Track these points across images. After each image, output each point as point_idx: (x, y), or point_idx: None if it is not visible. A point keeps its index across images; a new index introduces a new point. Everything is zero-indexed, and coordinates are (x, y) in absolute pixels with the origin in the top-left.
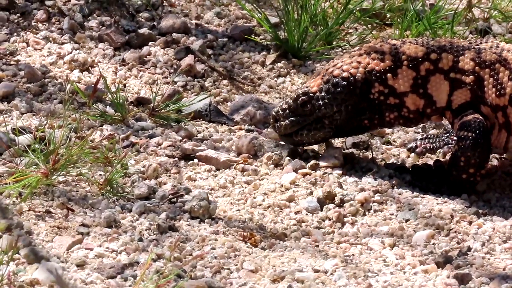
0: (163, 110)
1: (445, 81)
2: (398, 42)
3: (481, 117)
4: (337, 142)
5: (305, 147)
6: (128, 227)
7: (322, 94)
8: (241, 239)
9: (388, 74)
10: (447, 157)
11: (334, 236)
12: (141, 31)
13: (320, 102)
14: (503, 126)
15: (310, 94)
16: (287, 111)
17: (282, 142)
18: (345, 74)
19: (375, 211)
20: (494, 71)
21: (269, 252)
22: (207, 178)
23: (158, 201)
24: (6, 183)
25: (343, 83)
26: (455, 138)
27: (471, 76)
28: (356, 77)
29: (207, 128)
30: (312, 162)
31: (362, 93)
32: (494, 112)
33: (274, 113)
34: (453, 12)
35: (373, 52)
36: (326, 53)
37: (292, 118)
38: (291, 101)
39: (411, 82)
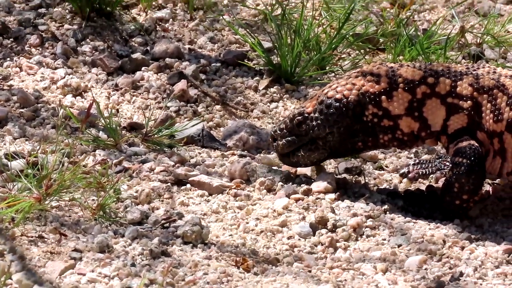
0: (156, 135)
1: (442, 105)
2: (395, 65)
3: (476, 144)
4: (329, 167)
5: (298, 172)
6: (121, 252)
7: (316, 115)
8: (234, 264)
9: (383, 97)
10: (440, 182)
11: (326, 261)
12: (134, 56)
13: (314, 123)
14: (498, 153)
15: (305, 115)
16: (285, 130)
17: (274, 168)
18: (338, 96)
19: (368, 236)
20: (492, 97)
21: (261, 277)
22: (200, 203)
23: (151, 226)
24: None
25: (336, 104)
26: (448, 163)
27: (468, 102)
28: (349, 99)
29: (200, 153)
30: (305, 187)
31: (355, 115)
32: (490, 138)
33: (272, 133)
34: (446, 37)
35: (369, 74)
36: (319, 78)
37: (289, 138)
38: (288, 121)
39: (406, 105)
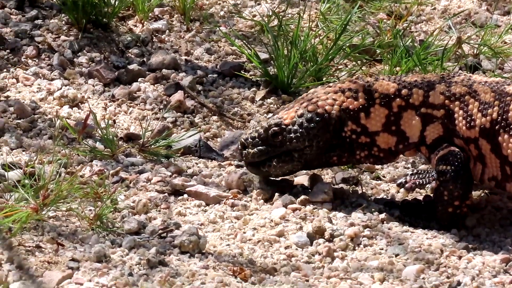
0: (152, 146)
1: (417, 116)
2: (371, 79)
3: (457, 149)
4: (326, 177)
5: (295, 182)
6: (118, 262)
7: (295, 127)
8: (231, 273)
9: (362, 113)
10: None
11: (324, 270)
12: (131, 67)
13: (292, 135)
14: (477, 159)
15: (283, 126)
16: (257, 139)
17: (271, 178)
18: (319, 110)
19: (365, 245)
20: (464, 103)
21: (259, 286)
22: (197, 213)
23: (148, 236)
24: None
25: (317, 119)
26: None
27: (441, 110)
28: (331, 114)
29: (196, 163)
30: (302, 197)
31: (334, 131)
32: (467, 145)
33: (243, 140)
34: (443, 48)
35: (347, 90)
36: None
37: (261, 147)
38: (262, 130)
39: (383, 121)
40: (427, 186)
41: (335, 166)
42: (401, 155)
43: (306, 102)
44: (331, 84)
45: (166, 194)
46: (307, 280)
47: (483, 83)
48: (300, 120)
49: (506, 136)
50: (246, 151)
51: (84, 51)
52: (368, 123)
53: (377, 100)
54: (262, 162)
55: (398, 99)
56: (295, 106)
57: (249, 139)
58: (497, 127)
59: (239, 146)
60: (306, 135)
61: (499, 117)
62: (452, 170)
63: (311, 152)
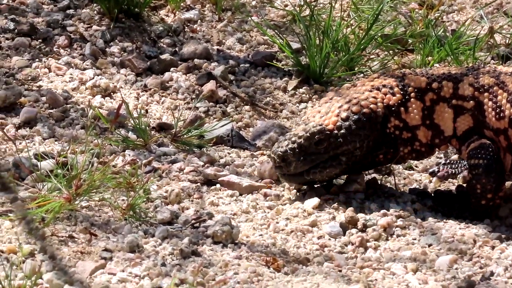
0: (185, 136)
1: (449, 109)
2: (399, 74)
3: (488, 141)
4: None
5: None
6: (151, 252)
7: (342, 131)
8: (264, 264)
9: (401, 108)
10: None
11: (357, 261)
12: (163, 56)
13: (340, 140)
14: (507, 149)
15: (327, 132)
16: (297, 150)
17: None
18: (365, 110)
19: (398, 236)
20: (493, 94)
21: (292, 277)
22: (230, 203)
23: (181, 226)
24: (29, 208)
25: (364, 119)
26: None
27: (471, 102)
28: (377, 112)
29: (229, 153)
30: (335, 187)
31: (381, 128)
32: (496, 136)
33: (280, 153)
34: (475, 38)
35: (382, 86)
36: (348, 79)
37: (304, 158)
38: (302, 140)
39: (421, 114)
40: (459, 175)
41: (378, 166)
42: (439, 150)
43: (345, 104)
44: (349, 85)
45: (198, 184)
46: (340, 270)
47: (509, 73)
48: (347, 123)
49: None
50: (287, 164)
51: (116, 40)
52: (408, 118)
53: (412, 94)
54: (306, 171)
55: (430, 92)
56: (333, 110)
57: (289, 151)
58: None
59: (277, 160)
60: (356, 136)
61: None
62: (484, 163)
63: (361, 153)
